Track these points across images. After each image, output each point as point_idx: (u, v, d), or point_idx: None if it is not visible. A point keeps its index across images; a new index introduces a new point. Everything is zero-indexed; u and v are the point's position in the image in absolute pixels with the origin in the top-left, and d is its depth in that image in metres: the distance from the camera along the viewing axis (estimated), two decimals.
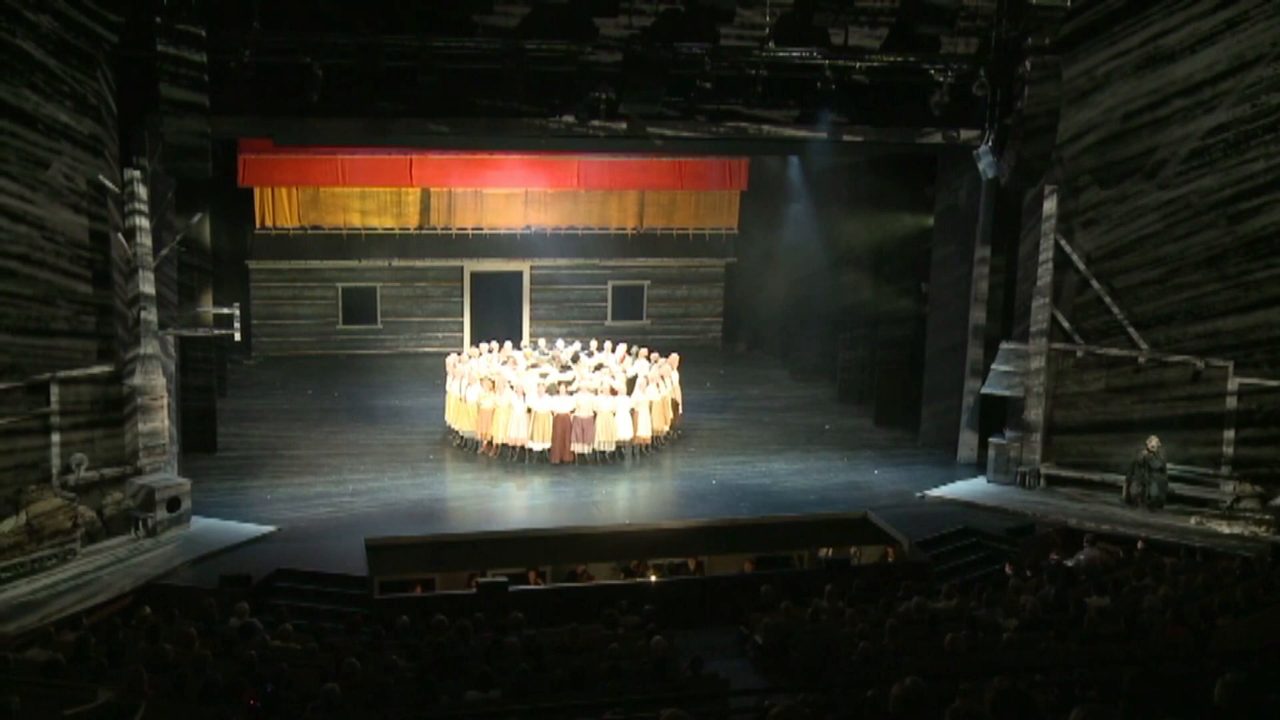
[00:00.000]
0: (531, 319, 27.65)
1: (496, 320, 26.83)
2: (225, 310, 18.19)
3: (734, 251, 28.49)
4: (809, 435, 21.38)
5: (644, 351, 22.03)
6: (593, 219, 27.47)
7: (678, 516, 17.21)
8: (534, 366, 20.87)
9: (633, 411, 19.53)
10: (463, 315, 27.46)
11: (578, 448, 19.21)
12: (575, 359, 21.39)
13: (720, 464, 19.60)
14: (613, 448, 19.39)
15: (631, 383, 20.06)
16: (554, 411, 19.08)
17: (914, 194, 21.31)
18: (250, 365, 25.71)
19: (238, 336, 18.49)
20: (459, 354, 21.60)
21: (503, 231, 27.01)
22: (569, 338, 23.20)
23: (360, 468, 18.88)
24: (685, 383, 21.90)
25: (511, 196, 26.79)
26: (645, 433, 19.71)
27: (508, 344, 22.17)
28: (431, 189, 26.31)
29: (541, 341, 23.28)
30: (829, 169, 23.99)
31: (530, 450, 19.20)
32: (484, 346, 21.94)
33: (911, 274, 21.60)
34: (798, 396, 24.26)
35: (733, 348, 28.53)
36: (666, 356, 21.69)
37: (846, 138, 18.04)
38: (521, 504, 17.76)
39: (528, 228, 27.11)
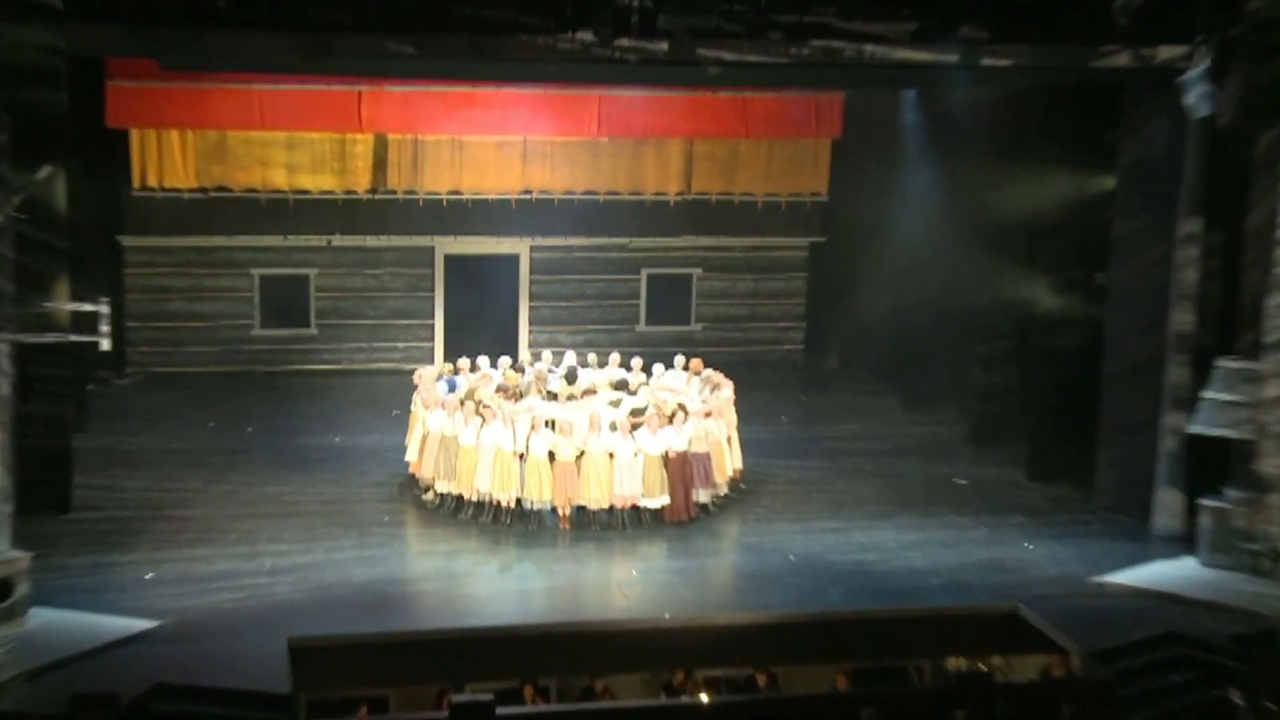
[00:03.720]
0: (531, 322, 27.70)
1: (482, 322, 26.89)
2: (88, 307, 17.96)
3: (821, 227, 28.52)
4: (930, 492, 21.32)
5: (611, 359, 22.42)
6: (619, 181, 27.61)
7: (739, 608, 17.03)
8: (573, 397, 20.73)
9: (729, 439, 20.48)
10: (433, 317, 27.51)
11: (701, 495, 19.72)
12: (572, 378, 21.42)
13: (800, 532, 19.44)
14: (726, 489, 20.24)
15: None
16: (669, 451, 19.23)
17: (1087, 143, 21.08)
18: (124, 386, 25.75)
19: (106, 345, 18.19)
20: (455, 376, 21.44)
21: (491, 198, 27.11)
22: (557, 351, 23.12)
23: (283, 535, 18.73)
24: (752, 415, 21.91)
25: (504, 148, 26.89)
26: (739, 463, 20.64)
27: (482, 361, 21.88)
28: (390, 136, 26.48)
29: (546, 355, 23.03)
30: (961, 109, 23.97)
31: (644, 510, 19.41)
32: (436, 368, 21.95)
33: (1081, 259, 21.56)
34: (913, 435, 24.28)
35: (819, 364, 28.66)
36: (691, 364, 21.93)
37: (987, 62, 18.07)
38: (515, 587, 17.65)
39: (527, 193, 27.16)
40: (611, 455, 19.13)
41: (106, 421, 23.33)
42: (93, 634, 15.44)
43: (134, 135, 25.52)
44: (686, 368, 22.03)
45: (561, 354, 22.56)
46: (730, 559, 18.84)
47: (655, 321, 28.21)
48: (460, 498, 19.52)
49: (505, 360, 22.05)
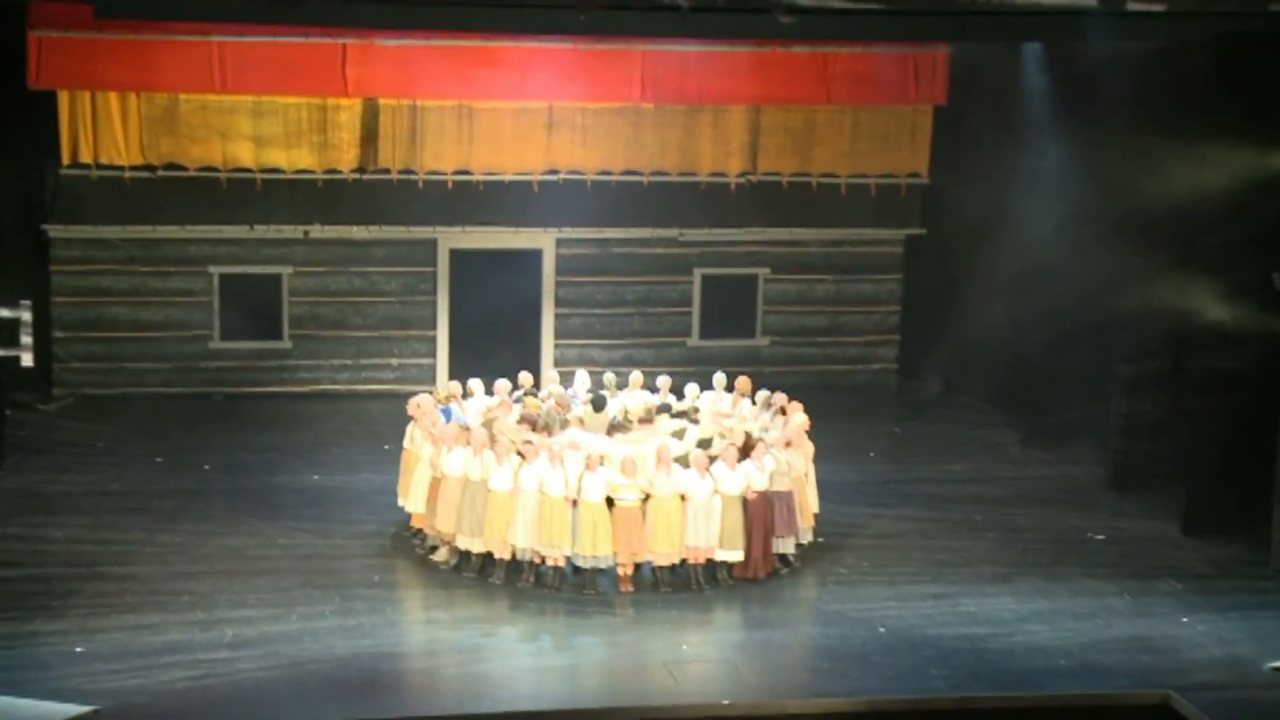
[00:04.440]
0: (557, 334, 27.82)
1: (495, 334, 27.00)
2: (4, 313, 17.98)
3: (920, 217, 28.65)
4: (1058, 550, 21.29)
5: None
6: (667, 159, 27.80)
7: (815, 693, 16.81)
8: (621, 428, 20.99)
9: (805, 475, 20.69)
10: (435, 327, 27.64)
11: (782, 545, 19.89)
12: (599, 405, 21.45)
13: (893, 599, 19.47)
14: (810, 535, 20.56)
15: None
16: (749, 491, 19.42)
17: (1264, 110, 21.00)
18: (49, 412, 25.93)
19: (27, 360, 18.23)
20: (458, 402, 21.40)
21: (508, 179, 27.28)
22: (564, 371, 23.26)
23: (248, 598, 18.72)
24: (834, 452, 22.11)
25: (524, 117, 27.12)
26: (815, 506, 20.88)
27: (475, 385, 21.80)
28: (381, 102, 26.65)
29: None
30: (1101, 68, 23.86)
31: (719, 565, 19.62)
32: (440, 393, 21.85)
33: (1255, 256, 21.37)
34: (1036, 479, 24.42)
35: (918, 389, 28.77)
36: (738, 383, 22.05)
37: (1134, 7, 18.42)
38: (540, 664, 17.60)
39: (552, 173, 27.36)
40: (683, 497, 19.17)
41: (28, 456, 23.45)
42: None
43: (63, 99, 25.60)
44: (730, 388, 22.04)
45: (572, 375, 22.65)
46: (805, 631, 18.76)
47: (712, 334, 28.26)
48: (488, 556, 19.41)
49: (502, 383, 21.86)
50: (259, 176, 26.46)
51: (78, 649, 17.09)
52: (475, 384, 21.73)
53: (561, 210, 27.30)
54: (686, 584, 19.29)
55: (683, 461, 19.39)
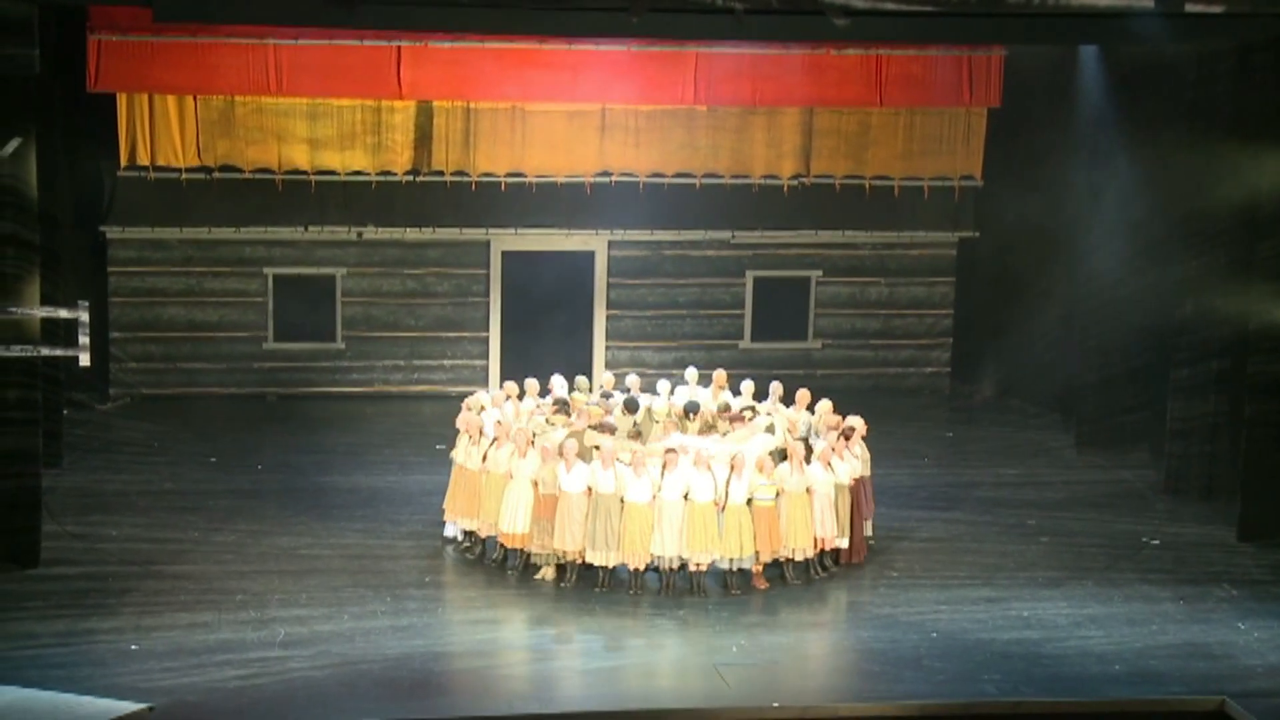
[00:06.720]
0: (608, 336, 27.79)
1: (547, 335, 26.97)
2: (63, 314, 18.05)
3: (974, 220, 28.47)
4: (1113, 555, 21.18)
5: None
6: (720, 161, 27.71)
7: (867, 697, 16.78)
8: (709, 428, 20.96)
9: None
10: (487, 328, 27.64)
11: (869, 529, 20.89)
12: (631, 407, 21.46)
13: (945, 603, 19.45)
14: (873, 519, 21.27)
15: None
16: (853, 479, 20.22)
17: None
18: (106, 412, 26.00)
19: (85, 360, 18.24)
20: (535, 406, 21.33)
21: (561, 181, 27.26)
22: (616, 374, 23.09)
23: (300, 598, 18.80)
24: (886, 455, 22.13)
25: (577, 119, 27.08)
26: None
27: (484, 396, 21.59)
28: (435, 104, 26.66)
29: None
30: (1154, 69, 23.73)
31: (827, 554, 20.18)
32: (477, 401, 21.48)
33: None
34: (1091, 483, 24.25)
35: (970, 392, 28.68)
36: (715, 377, 22.17)
37: (1193, 8, 18.09)
38: (589, 666, 17.62)
39: (605, 175, 27.34)
40: (809, 491, 19.46)
41: (85, 455, 23.57)
42: (65, 718, 15.44)
43: (121, 102, 25.68)
44: (705, 383, 22.07)
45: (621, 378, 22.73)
46: (856, 634, 18.67)
47: (763, 337, 28.18)
48: (619, 569, 19.33)
49: (496, 394, 21.61)
50: (313, 178, 26.54)
51: (132, 647, 17.21)
52: (484, 395, 21.60)
53: (614, 212, 27.32)
54: (810, 574, 19.64)
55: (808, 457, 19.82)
